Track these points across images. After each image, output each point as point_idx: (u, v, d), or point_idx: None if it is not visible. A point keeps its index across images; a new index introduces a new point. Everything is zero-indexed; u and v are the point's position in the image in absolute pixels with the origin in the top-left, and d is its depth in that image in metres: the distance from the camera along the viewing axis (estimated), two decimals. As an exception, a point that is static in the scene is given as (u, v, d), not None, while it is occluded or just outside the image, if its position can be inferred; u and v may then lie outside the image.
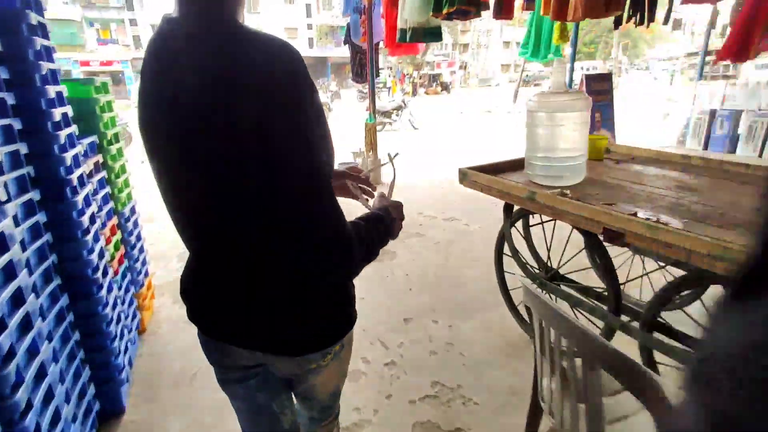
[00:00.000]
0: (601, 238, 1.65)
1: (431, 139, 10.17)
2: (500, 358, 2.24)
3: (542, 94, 2.08)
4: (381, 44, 6.01)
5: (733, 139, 7.83)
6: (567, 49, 7.91)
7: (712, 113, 8.20)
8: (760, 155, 7.23)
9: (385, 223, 0.91)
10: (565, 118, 1.96)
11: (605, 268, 1.85)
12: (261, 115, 0.66)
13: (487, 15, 5.25)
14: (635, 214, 1.59)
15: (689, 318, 1.88)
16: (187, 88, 0.69)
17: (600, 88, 5.99)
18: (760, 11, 4.52)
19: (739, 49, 4.72)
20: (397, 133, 11.46)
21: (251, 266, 0.80)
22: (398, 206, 1.00)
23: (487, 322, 2.56)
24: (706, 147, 8.16)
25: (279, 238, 0.75)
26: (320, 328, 0.87)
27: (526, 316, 2.43)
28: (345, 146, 6.66)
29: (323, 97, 16.32)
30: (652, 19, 6.34)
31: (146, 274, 2.66)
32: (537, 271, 2.26)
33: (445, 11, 3.91)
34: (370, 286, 3.01)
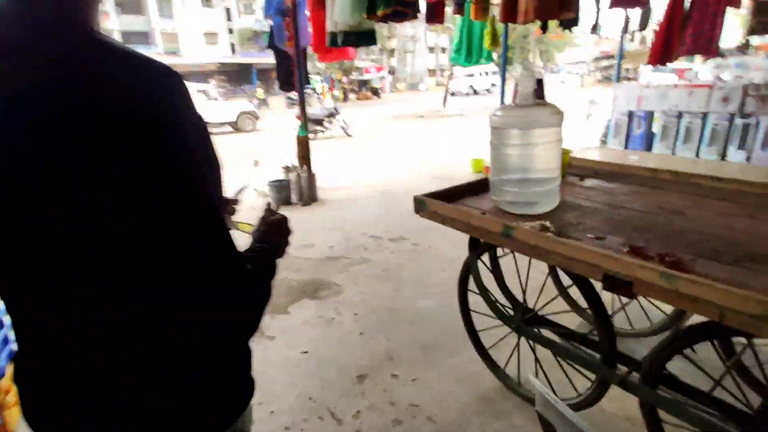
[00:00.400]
0: (598, 284, 1.35)
1: (367, 147, 9.84)
2: (476, 419, 1.89)
3: (508, 107, 1.77)
4: (310, 49, 5.56)
5: (649, 137, 8.36)
6: (494, 55, 7.97)
7: (630, 114, 8.70)
8: (673, 153, 7.70)
9: (272, 253, 0.81)
10: (541, 136, 1.66)
11: (598, 314, 1.57)
12: (135, 146, 0.54)
13: (418, 19, 5.01)
14: (640, 252, 1.31)
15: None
16: (25, 110, 0.53)
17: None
18: (675, 22, 4.81)
19: (663, 54, 4.98)
20: (330, 141, 11.00)
21: (115, 338, 0.61)
22: (280, 222, 0.90)
23: (455, 369, 2.21)
24: (626, 146, 8.65)
25: (161, 294, 0.61)
26: (213, 407, 0.69)
27: (499, 362, 2.11)
28: (276, 160, 6.11)
29: (249, 105, 15.38)
30: (576, 23, 6.52)
31: (11, 355, 2.00)
32: (511, 313, 1.94)
33: (380, 13, 3.56)
34: (314, 334, 2.54)
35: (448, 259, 3.52)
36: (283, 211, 1.01)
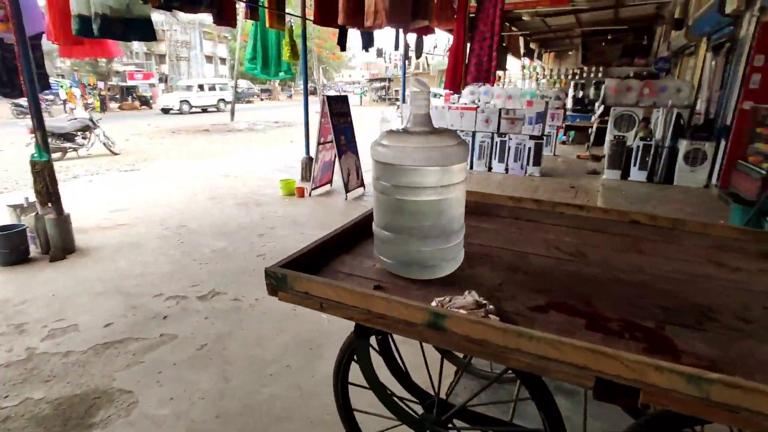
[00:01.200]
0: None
1: (143, 169, 7.98)
2: None
3: (398, 134, 1.25)
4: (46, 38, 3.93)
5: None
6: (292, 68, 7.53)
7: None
8: (489, 169, 8.49)
9: None
10: (453, 174, 1.20)
11: (549, 416, 1.19)
12: None
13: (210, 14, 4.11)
14: (602, 327, 0.99)
15: None
16: None
17: (341, 110, 5.76)
18: (459, 52, 5.32)
19: (452, 83, 5.45)
20: (88, 161, 8.57)
21: None
22: None
23: (338, 496, 1.57)
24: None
25: None
26: None
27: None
28: (-5, 195, 4.14)
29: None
30: (371, 44, 6.66)
31: None
32: (419, 411, 1.43)
33: (161, -7, 2.60)
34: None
35: (283, 313, 2.82)
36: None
